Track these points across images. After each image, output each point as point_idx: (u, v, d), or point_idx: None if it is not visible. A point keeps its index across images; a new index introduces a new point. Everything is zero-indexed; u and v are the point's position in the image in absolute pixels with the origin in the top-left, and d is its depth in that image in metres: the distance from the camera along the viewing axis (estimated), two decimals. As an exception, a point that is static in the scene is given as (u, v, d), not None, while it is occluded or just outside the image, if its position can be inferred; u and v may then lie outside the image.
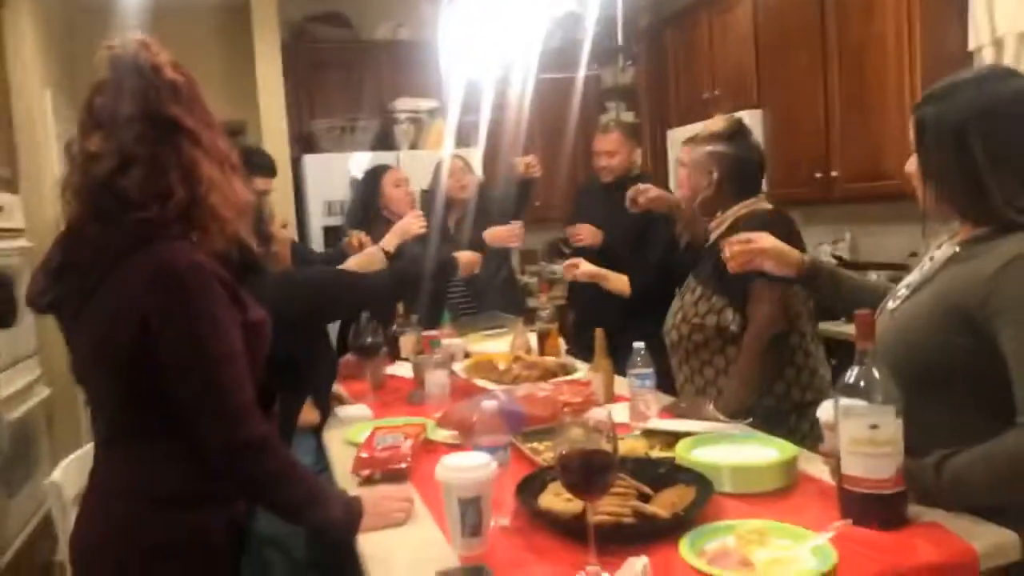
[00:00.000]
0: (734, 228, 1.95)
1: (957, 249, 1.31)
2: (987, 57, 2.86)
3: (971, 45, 2.92)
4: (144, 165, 1.21)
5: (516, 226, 3.19)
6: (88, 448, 1.49)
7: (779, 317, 1.87)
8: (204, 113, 1.29)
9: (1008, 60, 2.77)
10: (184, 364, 1.21)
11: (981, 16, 2.86)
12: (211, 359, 1.21)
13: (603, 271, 2.83)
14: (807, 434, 1.88)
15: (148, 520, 1.25)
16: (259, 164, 2.88)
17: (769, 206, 2.01)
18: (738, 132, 2.03)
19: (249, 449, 1.23)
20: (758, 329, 1.88)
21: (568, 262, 2.88)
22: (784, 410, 1.92)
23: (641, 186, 2.50)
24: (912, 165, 1.36)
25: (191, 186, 1.23)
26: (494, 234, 3.15)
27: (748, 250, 1.59)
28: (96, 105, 1.24)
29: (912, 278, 1.40)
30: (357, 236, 2.93)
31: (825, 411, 1.40)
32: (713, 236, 2.03)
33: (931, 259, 1.38)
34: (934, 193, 1.31)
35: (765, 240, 1.61)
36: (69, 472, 1.61)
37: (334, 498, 1.36)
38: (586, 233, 3.20)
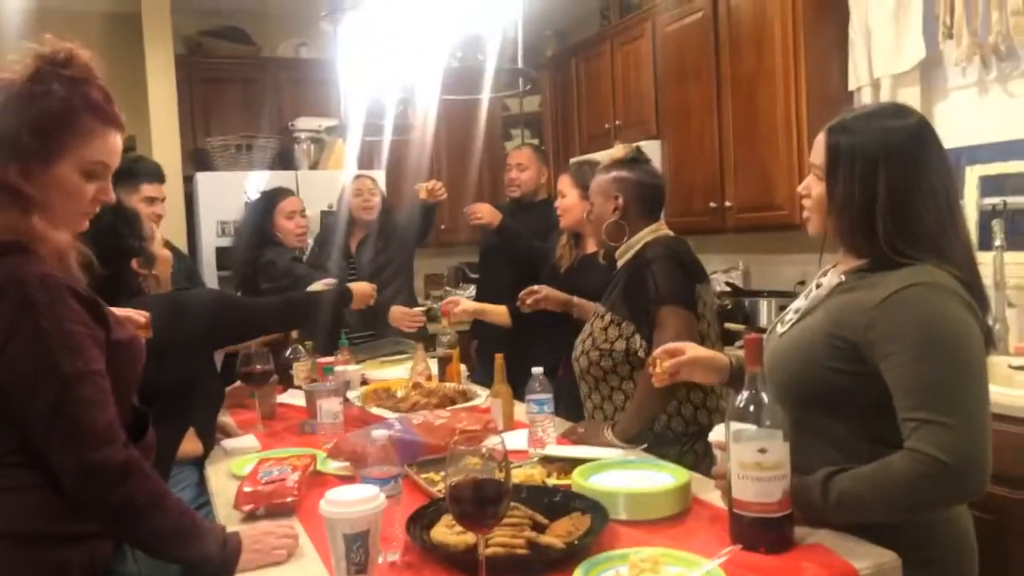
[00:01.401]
0: (640, 255, 1.98)
1: (842, 278, 1.35)
2: (866, 96, 3.03)
3: (851, 85, 3.09)
4: None
5: (416, 312, 3.15)
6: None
7: None
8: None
9: (884, 100, 2.94)
10: (31, 383, 1.12)
11: (860, 58, 3.04)
12: (61, 377, 1.13)
13: (481, 306, 2.84)
14: (714, 459, 1.91)
15: (1, 560, 1.14)
16: (144, 171, 2.76)
17: (671, 233, 2.06)
18: (638, 158, 2.09)
19: (107, 474, 1.14)
20: None
21: (447, 300, 2.85)
22: (691, 433, 1.94)
23: (535, 288, 2.49)
24: (811, 188, 1.36)
25: None
26: (394, 316, 3.11)
27: (676, 363, 1.52)
28: None
29: (799, 304, 1.44)
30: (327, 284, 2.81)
31: (716, 433, 1.41)
32: (623, 262, 2.05)
33: (817, 286, 1.42)
34: (833, 220, 1.33)
35: (692, 350, 1.55)
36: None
37: (209, 532, 1.27)
38: (485, 212, 3.20)
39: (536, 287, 2.49)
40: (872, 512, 1.23)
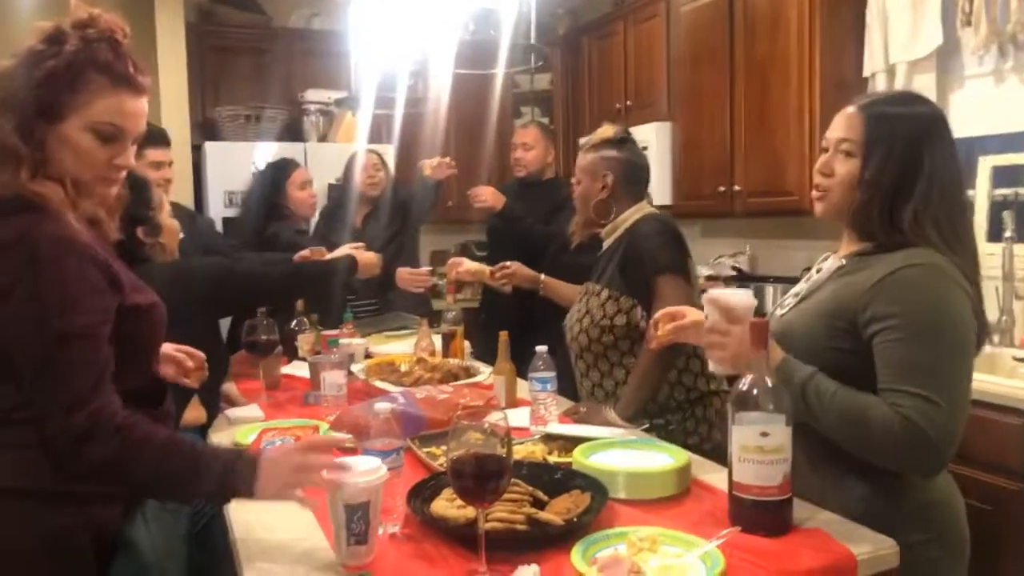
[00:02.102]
0: (633, 231, 2.00)
1: (843, 262, 1.37)
2: (880, 82, 3.00)
3: (866, 71, 3.06)
4: None
5: (423, 272, 3.14)
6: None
7: None
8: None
9: (899, 86, 2.92)
10: (24, 339, 1.13)
11: (876, 44, 3.00)
12: (53, 337, 1.13)
13: (483, 268, 2.85)
14: (714, 422, 1.98)
15: (9, 516, 1.15)
16: (147, 135, 2.74)
17: (656, 211, 2.09)
18: (626, 139, 2.11)
19: (67, 441, 1.14)
20: None
21: (451, 260, 2.86)
22: (693, 399, 1.99)
23: (505, 264, 2.52)
24: (832, 166, 1.34)
25: None
26: (401, 277, 3.10)
27: (678, 326, 1.53)
28: None
29: (798, 288, 1.47)
30: (318, 252, 2.80)
31: (714, 290, 1.37)
32: (611, 240, 2.08)
33: (817, 271, 1.44)
34: (857, 199, 1.32)
35: (693, 314, 1.55)
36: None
37: (205, 470, 1.21)
38: (488, 195, 3.20)
39: (507, 263, 2.55)
40: (832, 426, 1.24)
